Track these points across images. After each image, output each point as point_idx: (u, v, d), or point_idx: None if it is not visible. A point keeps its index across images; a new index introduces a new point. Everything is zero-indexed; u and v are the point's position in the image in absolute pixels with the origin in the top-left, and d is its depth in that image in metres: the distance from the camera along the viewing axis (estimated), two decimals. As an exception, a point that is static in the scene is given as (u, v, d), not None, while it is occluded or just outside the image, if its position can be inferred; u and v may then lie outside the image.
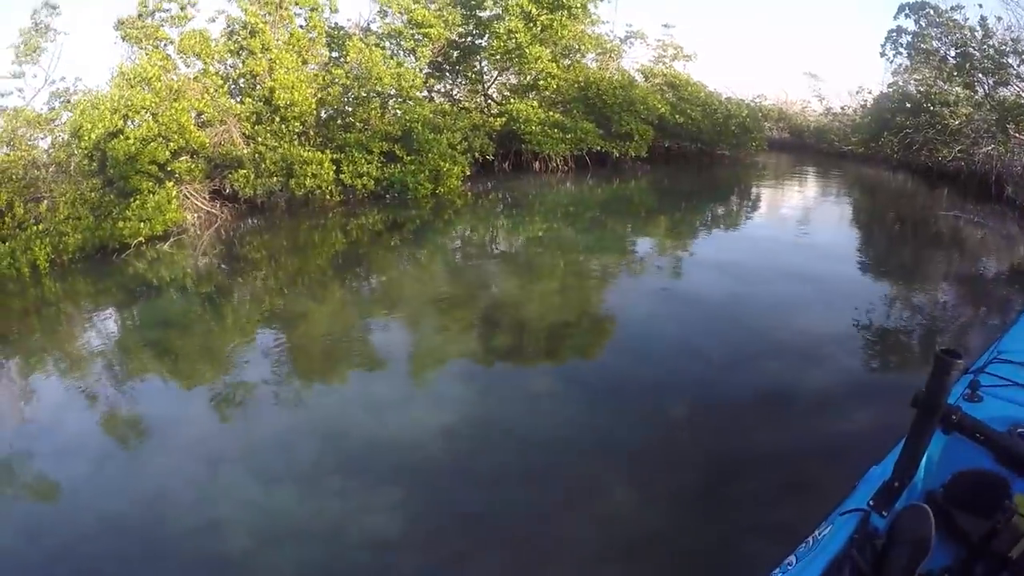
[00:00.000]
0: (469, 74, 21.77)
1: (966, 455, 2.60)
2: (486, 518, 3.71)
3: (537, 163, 19.79)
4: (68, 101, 12.50)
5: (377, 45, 17.12)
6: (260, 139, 13.53)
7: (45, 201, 10.49)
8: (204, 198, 12.68)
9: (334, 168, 13.75)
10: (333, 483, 4.01)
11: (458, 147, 16.30)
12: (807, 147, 29.83)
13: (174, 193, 11.19)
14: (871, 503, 2.39)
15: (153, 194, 10.76)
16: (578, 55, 21.96)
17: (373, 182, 14.47)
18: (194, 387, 5.74)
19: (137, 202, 10.46)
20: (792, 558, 2.40)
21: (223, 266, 9.87)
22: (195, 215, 12.22)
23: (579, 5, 19.84)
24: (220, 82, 13.82)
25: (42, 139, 12.06)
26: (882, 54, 22.48)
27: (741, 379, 5.62)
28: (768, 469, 4.18)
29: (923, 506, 2.29)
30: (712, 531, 3.61)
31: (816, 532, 2.52)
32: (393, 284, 9.12)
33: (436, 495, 3.92)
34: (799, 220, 14.45)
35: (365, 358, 6.26)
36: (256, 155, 13.02)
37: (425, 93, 19.40)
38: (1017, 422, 2.83)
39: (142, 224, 10.15)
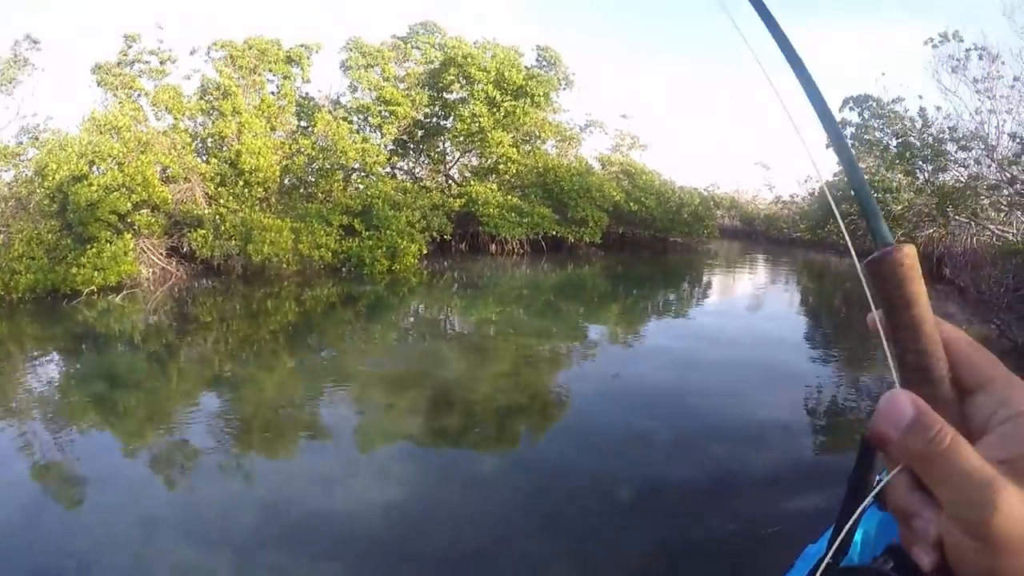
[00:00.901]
0: (432, 153, 22.24)
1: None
2: None
3: (493, 245, 20.09)
4: (36, 138, 12.48)
5: (345, 119, 17.45)
6: (222, 201, 13.51)
7: (1, 235, 10.32)
8: (161, 254, 12.56)
9: (293, 237, 13.63)
10: (271, 556, 3.86)
11: (417, 225, 16.48)
12: (757, 234, 30.93)
13: (131, 245, 11.08)
14: None
15: (110, 244, 10.64)
16: (538, 141, 22.68)
17: (331, 254, 14.42)
18: (135, 446, 5.57)
19: (94, 250, 10.34)
20: None
21: (174, 324, 9.65)
22: (150, 270, 12.09)
23: (542, 94, 20.60)
24: (188, 139, 13.84)
25: (5, 171, 12.00)
26: (827, 146, 23.38)
27: (685, 463, 5.59)
28: (711, 554, 4.15)
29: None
30: None
31: None
32: (344, 358, 9.02)
33: (377, 574, 3.82)
34: (748, 306, 14.83)
35: (311, 430, 6.15)
36: (217, 216, 12.92)
37: (388, 169, 19.70)
38: None
39: (96, 273, 10.02)
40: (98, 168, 11.47)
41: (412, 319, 11.93)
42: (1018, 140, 15.65)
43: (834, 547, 1.88)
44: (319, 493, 4.70)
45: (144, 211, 11.92)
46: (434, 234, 17.74)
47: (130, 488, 4.65)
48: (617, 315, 13.15)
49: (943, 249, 16.86)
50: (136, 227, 11.63)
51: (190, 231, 12.75)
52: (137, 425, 5.94)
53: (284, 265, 13.63)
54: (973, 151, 17.49)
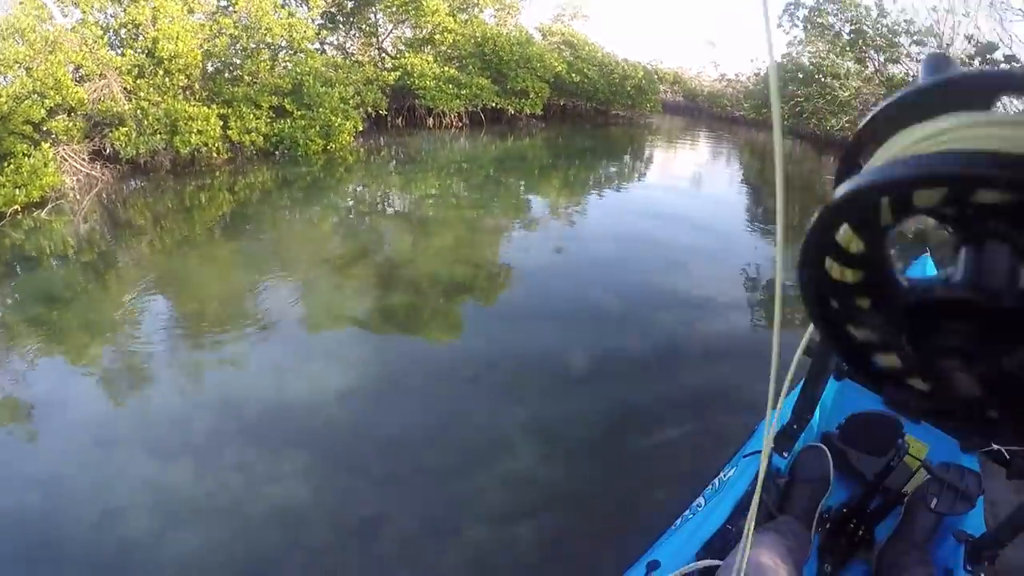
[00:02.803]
0: (363, 26, 21.40)
1: (858, 399, 2.82)
2: (393, 480, 3.74)
3: (431, 119, 19.94)
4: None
5: (268, -7, 16.69)
6: (142, 94, 13.07)
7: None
8: (83, 159, 12.13)
9: (221, 124, 13.43)
10: (233, 454, 3.96)
11: (350, 101, 16.25)
12: (700, 110, 31.00)
13: (51, 155, 10.63)
14: (772, 444, 2.46)
15: (28, 157, 10.19)
16: (476, 10, 21.90)
17: (262, 138, 14.25)
18: (81, 364, 5.45)
19: (11, 166, 9.91)
20: (700, 499, 2.57)
21: (106, 232, 9.46)
22: (74, 178, 11.69)
23: (480, -42, 19.89)
24: (99, 33, 13.12)
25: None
26: (779, 25, 23.32)
27: (637, 331, 5.90)
28: (671, 418, 4.40)
29: (821, 446, 2.54)
30: (621, 482, 3.76)
31: (721, 474, 2.71)
32: (284, 244, 9.01)
33: (340, 460, 3.92)
34: (690, 181, 15.24)
35: (258, 322, 6.08)
36: (138, 111, 12.52)
37: (317, 45, 19.05)
38: None
39: (17, 191, 9.65)
40: (5, 77, 10.98)
41: (351, 199, 11.97)
42: (973, 42, 15.74)
43: (800, 414, 2.55)
44: (273, 385, 4.81)
45: (60, 116, 11.45)
46: (369, 110, 17.56)
47: (81, 408, 4.65)
48: (559, 187, 13.37)
49: None
50: (54, 135, 11.23)
51: (111, 131, 12.32)
52: (81, 341, 5.85)
53: (214, 154, 13.44)
54: (927, 47, 17.58)
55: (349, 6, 20.43)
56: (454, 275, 7.41)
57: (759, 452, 2.50)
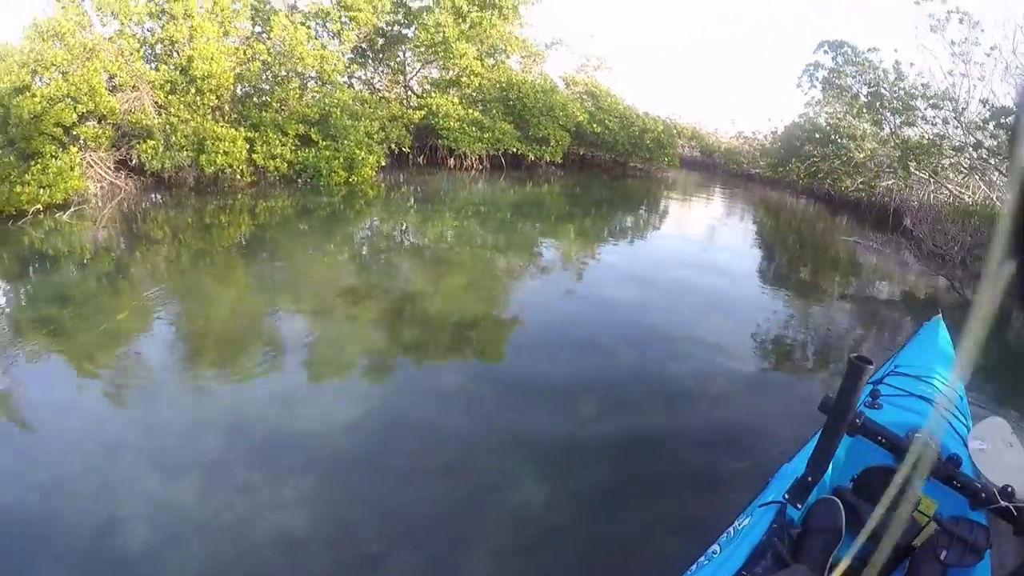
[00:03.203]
0: (392, 63, 21.71)
1: (868, 455, 2.88)
2: (397, 513, 3.65)
3: (452, 159, 19.96)
4: (-26, 48, 11.70)
5: (303, 24, 16.87)
6: (173, 110, 13.09)
7: (-63, 152, 9.87)
8: (109, 167, 12.14)
9: (247, 147, 13.46)
10: (239, 476, 3.88)
11: (375, 136, 16.33)
12: (716, 166, 31.18)
13: (78, 159, 10.67)
14: (786, 496, 2.60)
15: (56, 159, 10.24)
16: (503, 55, 22.20)
17: (286, 165, 14.29)
18: (90, 368, 5.37)
19: (38, 166, 9.94)
20: (716, 547, 2.57)
21: (125, 241, 9.44)
22: (98, 185, 11.69)
23: (510, 6, 20.20)
24: (136, 45, 13.25)
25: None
26: (798, 85, 23.45)
27: (645, 378, 5.80)
28: (681, 468, 4.32)
29: (834, 499, 2.60)
30: (630, 526, 3.66)
31: (736, 523, 2.72)
32: (300, 271, 8.94)
33: (346, 489, 3.85)
34: (705, 235, 15.18)
35: (270, 346, 6.02)
36: (167, 126, 12.56)
37: (346, 79, 19.28)
38: (913, 427, 3.07)
39: (41, 191, 9.66)
40: (41, 78, 10.98)
41: (369, 232, 11.89)
42: (988, 106, 15.86)
43: (815, 467, 2.59)
44: (283, 410, 4.74)
45: (90, 123, 11.49)
46: (392, 146, 17.65)
47: (88, 413, 4.59)
48: (575, 235, 13.31)
49: (899, 201, 17.28)
50: (82, 140, 11.24)
51: (139, 142, 12.35)
52: (91, 348, 5.76)
53: (238, 176, 13.44)
54: (942, 110, 17.74)
55: (380, 43, 20.68)
56: (467, 314, 7.34)
57: (774, 502, 2.59)
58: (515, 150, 20.40)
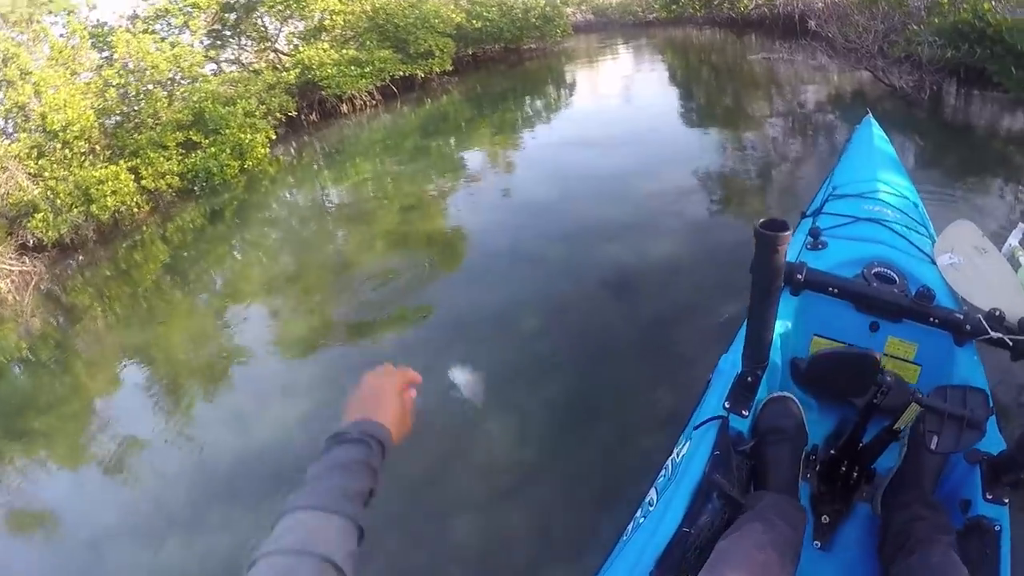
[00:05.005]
0: (252, 34, 21.21)
1: (824, 312, 2.48)
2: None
3: (344, 105, 19.83)
4: None
5: (146, 31, 16.65)
6: (48, 174, 12.94)
7: None
8: (11, 258, 11.80)
9: (133, 177, 13.35)
10: (218, 511, 4.11)
11: (256, 113, 16.17)
12: (612, 23, 30.50)
13: None
14: (727, 405, 2.09)
15: None
16: (357, -15, 21.65)
17: (177, 179, 14.16)
18: (72, 464, 5.49)
19: None
20: (652, 493, 2.05)
21: (57, 322, 9.35)
22: (7, 280, 11.35)
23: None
24: (-15, 127, 12.98)
25: None
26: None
27: (587, 266, 6.20)
28: (630, 361, 4.55)
29: (785, 396, 2.13)
30: (592, 439, 3.90)
31: (674, 452, 2.16)
32: (234, 277, 8.99)
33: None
34: (620, 92, 15.36)
35: (238, 361, 6.24)
36: (48, 192, 12.41)
37: (212, 67, 19.00)
38: (869, 260, 2.66)
39: None
40: None
41: (285, 209, 12.01)
42: None
43: (753, 359, 2.15)
44: (266, 427, 4.97)
45: None
46: (278, 115, 17.52)
47: (74, 506, 4.73)
48: (490, 136, 13.51)
49: (803, 6, 17.18)
50: None
51: (28, 220, 12.11)
52: (67, 441, 5.82)
53: (135, 210, 13.30)
54: None
55: (232, 18, 20.23)
56: (405, 254, 7.63)
57: (712, 419, 2.02)
58: (402, 73, 20.20)
